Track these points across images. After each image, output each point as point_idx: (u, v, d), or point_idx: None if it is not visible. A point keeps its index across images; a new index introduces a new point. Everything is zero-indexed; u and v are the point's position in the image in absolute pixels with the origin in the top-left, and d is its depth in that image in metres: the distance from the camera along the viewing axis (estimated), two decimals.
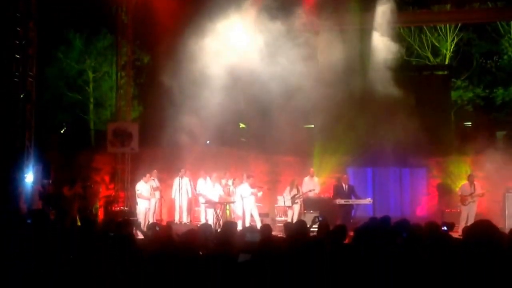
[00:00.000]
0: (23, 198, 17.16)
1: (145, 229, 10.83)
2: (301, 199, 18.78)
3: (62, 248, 7.08)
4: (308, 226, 8.68)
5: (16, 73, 17.61)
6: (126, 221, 10.20)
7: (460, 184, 18.91)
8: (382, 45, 20.87)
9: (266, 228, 8.95)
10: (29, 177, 17.77)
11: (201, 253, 6.92)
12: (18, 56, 17.66)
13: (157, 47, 22.97)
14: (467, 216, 17.82)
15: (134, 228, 9.90)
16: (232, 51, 19.81)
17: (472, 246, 5.56)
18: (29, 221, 8.42)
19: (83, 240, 7.45)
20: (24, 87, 17.82)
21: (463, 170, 19.81)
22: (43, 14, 18.70)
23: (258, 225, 16.97)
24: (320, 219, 10.86)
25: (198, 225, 14.08)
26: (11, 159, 17.26)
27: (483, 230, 5.58)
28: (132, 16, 22.02)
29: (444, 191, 20.84)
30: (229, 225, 8.10)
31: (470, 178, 18.45)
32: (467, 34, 26.57)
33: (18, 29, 17.65)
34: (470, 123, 26.09)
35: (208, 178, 19.28)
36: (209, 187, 19.07)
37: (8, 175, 16.98)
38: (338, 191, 18.55)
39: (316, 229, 9.32)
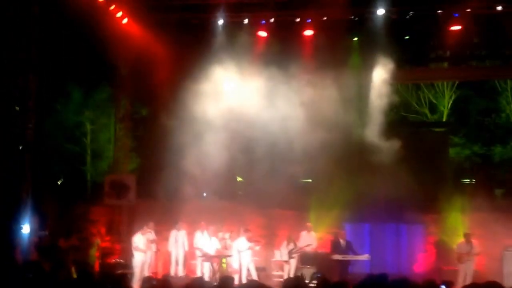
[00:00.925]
0: (19, 250, 17.03)
1: (140, 283, 10.72)
2: (298, 253, 18.66)
3: None
4: (307, 281, 8.62)
5: (16, 125, 17.66)
6: (124, 274, 10.11)
7: (457, 242, 18.75)
8: (380, 101, 21.03)
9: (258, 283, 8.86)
10: (26, 228, 17.66)
11: None
12: (17, 108, 17.73)
13: (155, 101, 23.15)
14: (465, 274, 17.69)
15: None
16: (230, 105, 19.98)
17: None
18: (26, 273, 8.36)
19: None
20: (23, 139, 17.85)
21: (461, 228, 19.70)
22: (42, 65, 18.86)
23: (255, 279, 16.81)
24: (319, 275, 10.80)
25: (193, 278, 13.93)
26: (8, 210, 17.18)
27: None
28: (131, 69, 22.24)
29: (442, 248, 20.70)
30: (226, 280, 8.04)
31: (467, 236, 18.35)
32: (464, 91, 26.80)
33: (17, 80, 17.76)
34: (468, 180, 26.13)
35: (205, 231, 19.20)
36: (206, 240, 18.97)
37: (4, 226, 16.89)
38: (336, 247, 18.46)
39: (315, 286, 9.25)
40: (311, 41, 20.27)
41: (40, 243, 18.88)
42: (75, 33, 21.55)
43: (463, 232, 18.73)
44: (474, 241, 18.32)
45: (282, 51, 21.28)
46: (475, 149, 26.91)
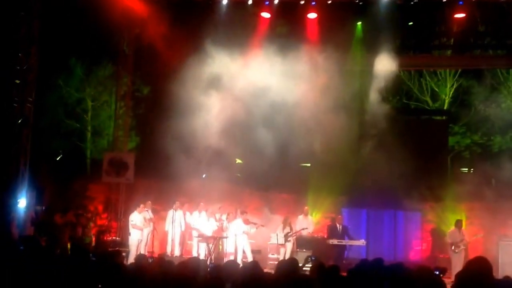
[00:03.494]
0: (15, 224, 17.05)
1: (134, 260, 10.73)
2: (294, 237, 18.68)
3: (52, 275, 6.99)
4: (300, 265, 8.61)
5: (15, 98, 17.64)
6: (118, 251, 10.12)
7: (448, 230, 18.58)
8: (381, 87, 20.98)
9: (255, 264, 8.87)
10: (22, 203, 17.68)
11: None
12: (18, 82, 17.70)
13: (157, 80, 23.10)
14: (460, 263, 17.68)
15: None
16: (231, 86, 19.92)
17: None
18: (21, 247, 8.35)
19: (73, 268, 7.36)
20: (22, 113, 17.83)
21: (458, 216, 19.70)
22: (45, 40, 18.80)
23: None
24: (313, 258, 10.78)
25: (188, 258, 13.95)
26: (4, 183, 17.19)
27: (476, 275, 5.53)
28: (134, 47, 22.20)
29: (438, 236, 20.73)
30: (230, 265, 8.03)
31: (458, 224, 18.15)
32: (466, 80, 26.69)
33: (19, 54, 17.72)
34: (466, 169, 26.10)
35: (203, 212, 19.22)
36: (203, 221, 19.00)
37: (1, 199, 16.90)
38: (332, 231, 18.51)
39: (309, 269, 9.23)
40: (314, 24, 20.19)
41: (37, 218, 18.90)
42: (79, 8, 21.44)
43: (455, 220, 18.59)
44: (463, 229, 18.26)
45: (285, 33, 21.23)
46: (475, 139, 26.84)
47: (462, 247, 17.70)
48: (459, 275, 6.13)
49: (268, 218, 20.13)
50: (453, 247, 17.71)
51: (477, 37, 21.49)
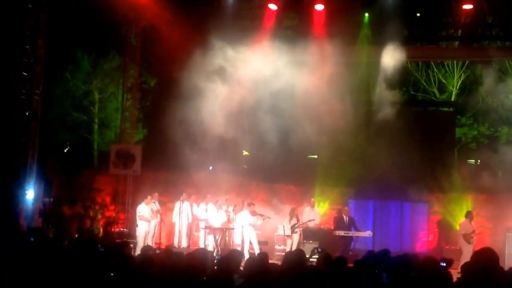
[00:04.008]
0: (23, 215, 17.13)
1: (141, 251, 10.79)
2: (301, 228, 18.71)
3: (60, 266, 7.03)
4: (307, 256, 8.64)
5: (23, 91, 17.69)
6: (126, 242, 10.17)
7: (460, 222, 18.44)
8: (388, 78, 20.95)
9: (264, 256, 8.91)
10: (30, 194, 17.76)
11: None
12: (25, 74, 17.74)
13: (164, 72, 23.12)
14: (469, 254, 17.62)
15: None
16: (238, 78, 19.92)
17: (471, 283, 5.52)
18: (31, 239, 8.41)
19: (81, 259, 7.41)
20: (30, 105, 17.89)
21: (464, 208, 19.68)
22: (52, 33, 18.83)
23: (257, 252, 16.88)
24: (320, 250, 10.80)
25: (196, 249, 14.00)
26: (13, 175, 17.26)
27: (483, 266, 5.54)
28: (141, 38, 22.23)
29: (444, 227, 20.73)
30: (233, 253, 8.06)
31: (470, 215, 17.99)
32: (473, 71, 26.61)
33: (26, 47, 17.75)
34: (473, 160, 26.04)
35: (210, 204, 19.27)
36: (210, 213, 19.05)
37: (9, 191, 16.97)
38: (339, 223, 18.52)
39: (315, 260, 9.27)
40: (322, 15, 20.15)
41: (44, 210, 18.98)
42: (86, 0, 21.48)
43: (466, 211, 18.51)
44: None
45: (292, 25, 21.21)
46: (482, 130, 26.79)
47: (474, 237, 17.64)
48: (465, 266, 6.14)
49: (279, 209, 20.11)
50: (467, 239, 17.60)
51: (485, 28, 21.38)
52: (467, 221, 17.91)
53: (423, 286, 6.47)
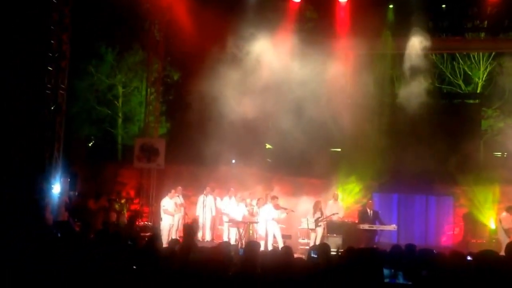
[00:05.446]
0: (50, 209, 17.28)
1: (167, 244, 10.82)
2: (325, 222, 18.63)
3: (86, 259, 7.07)
4: (331, 249, 8.59)
5: (48, 85, 17.82)
6: (155, 235, 10.17)
7: (502, 216, 17.87)
8: (414, 70, 20.79)
9: (288, 250, 8.87)
10: (56, 188, 17.91)
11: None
12: (50, 69, 17.87)
13: (187, 66, 23.16)
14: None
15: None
16: (262, 72, 19.88)
17: None
18: (58, 233, 8.47)
19: (107, 252, 7.44)
20: (55, 99, 18.03)
21: (490, 200, 19.49)
22: (76, 27, 18.93)
23: (280, 246, 16.86)
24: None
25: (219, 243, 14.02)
26: (39, 169, 17.41)
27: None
28: (164, 33, 22.28)
29: (470, 221, 20.55)
30: (252, 246, 8.03)
31: (511, 210, 17.63)
32: (500, 63, 26.30)
33: (52, 41, 17.88)
34: (499, 153, 25.75)
35: (233, 197, 19.27)
36: (234, 206, 19.04)
37: (35, 185, 17.13)
38: (363, 216, 18.41)
39: (341, 253, 9.22)
40: (345, 8, 20.04)
41: (70, 204, 19.12)
42: None
43: (507, 206, 18.04)
44: None
45: (315, 18, 21.11)
46: (509, 122, 26.47)
47: None
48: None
49: (309, 201, 20.03)
50: (508, 233, 17.29)
51: (511, 19, 21.12)
52: (508, 215, 17.60)
53: (450, 282, 6.39)
